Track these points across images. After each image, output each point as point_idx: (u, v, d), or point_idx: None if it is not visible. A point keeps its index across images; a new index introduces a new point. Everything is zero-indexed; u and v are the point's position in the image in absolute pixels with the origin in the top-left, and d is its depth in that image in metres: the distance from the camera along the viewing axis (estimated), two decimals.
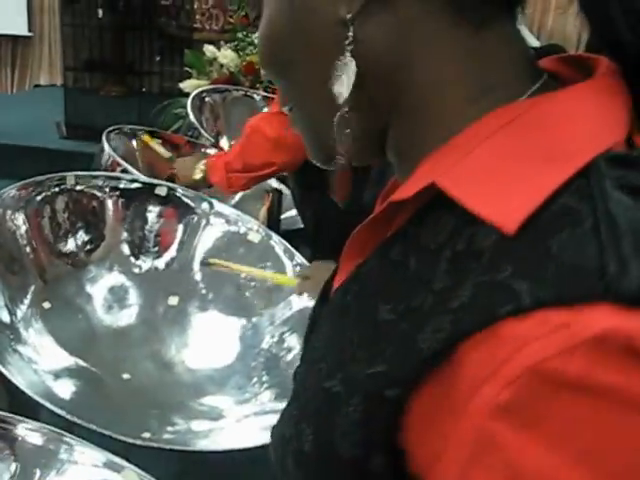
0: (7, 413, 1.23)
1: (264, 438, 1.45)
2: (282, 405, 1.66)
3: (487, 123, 0.63)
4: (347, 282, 0.80)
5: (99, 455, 1.22)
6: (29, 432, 1.22)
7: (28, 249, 1.77)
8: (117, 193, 1.99)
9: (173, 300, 1.93)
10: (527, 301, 0.56)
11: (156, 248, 2.00)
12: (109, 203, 1.98)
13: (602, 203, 0.56)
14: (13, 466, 1.19)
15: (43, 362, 1.65)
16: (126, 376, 1.76)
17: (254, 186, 2.12)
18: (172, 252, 2.02)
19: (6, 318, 1.62)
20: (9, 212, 1.73)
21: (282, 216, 2.48)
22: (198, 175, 2.11)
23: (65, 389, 1.63)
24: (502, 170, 0.61)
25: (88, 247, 1.89)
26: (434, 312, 0.62)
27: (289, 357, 1.78)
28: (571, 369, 0.54)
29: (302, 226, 2.41)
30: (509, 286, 0.57)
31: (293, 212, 2.69)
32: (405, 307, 0.67)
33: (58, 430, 1.23)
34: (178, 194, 2.05)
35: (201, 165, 2.12)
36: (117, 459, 1.21)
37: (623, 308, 0.53)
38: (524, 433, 0.55)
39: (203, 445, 1.55)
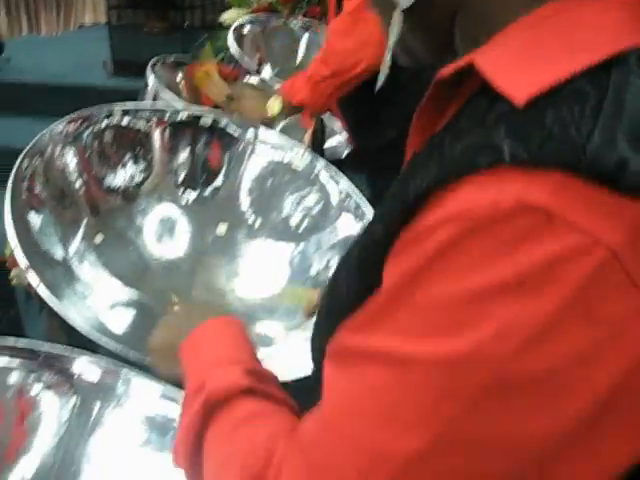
0: (65, 348, 1.19)
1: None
2: None
3: (532, 17, 0.62)
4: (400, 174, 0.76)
5: (156, 387, 1.17)
6: (87, 366, 1.19)
7: (78, 184, 1.71)
8: (163, 125, 1.92)
9: (221, 229, 1.87)
10: (506, 157, 0.54)
11: (203, 178, 1.93)
12: (156, 135, 1.91)
13: (616, 91, 0.54)
14: (72, 400, 1.16)
15: (97, 297, 1.60)
16: (177, 307, 1.71)
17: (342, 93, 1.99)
18: (219, 181, 1.95)
19: (60, 254, 1.58)
20: (58, 148, 1.67)
21: (325, 145, 2.40)
22: (276, 108, 2.02)
23: (119, 322, 1.59)
24: (530, 54, 0.59)
25: (137, 179, 1.83)
26: (429, 165, 0.61)
27: None
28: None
29: (344, 156, 2.33)
30: (496, 144, 0.55)
31: (335, 141, 2.60)
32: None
33: (116, 363, 1.19)
34: (223, 124, 1.97)
35: (273, 99, 2.03)
36: (174, 390, 1.17)
37: (592, 185, 0.51)
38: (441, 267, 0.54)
39: None
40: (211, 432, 0.74)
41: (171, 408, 1.16)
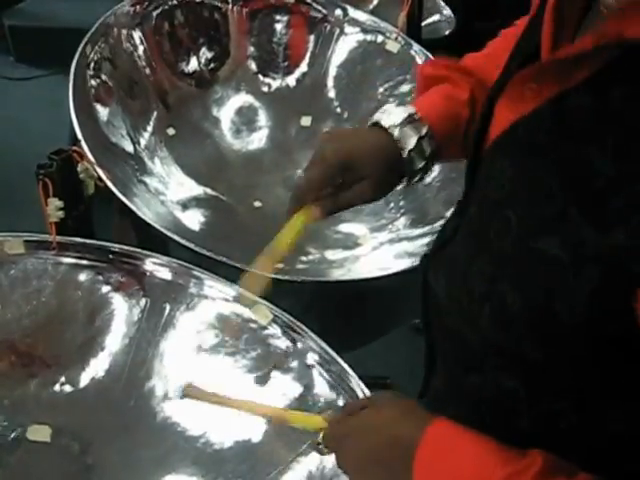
0: (135, 248, 1.31)
1: (399, 265, 1.51)
2: (418, 231, 1.70)
3: None
4: (537, 116, 0.81)
5: (229, 289, 1.29)
6: (157, 267, 1.30)
7: (148, 71, 1.79)
8: (241, 2, 1.97)
9: (306, 120, 1.94)
10: None
11: (286, 63, 1.98)
12: (233, 14, 1.96)
13: None
14: (143, 301, 1.28)
15: (170, 193, 1.71)
16: (257, 204, 1.82)
17: None
18: (303, 67, 2.00)
19: (129, 147, 1.68)
20: (124, 31, 1.74)
21: (423, 23, 2.41)
22: None
23: (194, 220, 1.70)
24: None
25: (212, 65, 1.91)
26: None
27: (427, 180, 1.79)
28: None
29: (446, 34, 2.34)
30: None
31: (435, 17, 2.61)
32: (636, 165, 0.69)
33: (187, 264, 1.31)
34: (308, 0, 2.02)
35: None
36: (248, 293, 1.28)
37: None
38: None
39: (337, 275, 1.61)
40: None
41: (243, 312, 1.27)
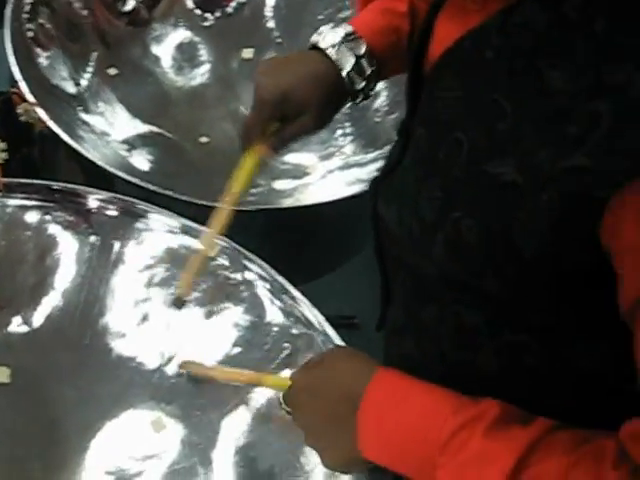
0: (77, 185, 1.29)
1: (351, 191, 1.50)
2: (369, 156, 1.68)
3: None
4: (483, 33, 0.77)
5: (174, 222, 1.28)
6: (103, 204, 1.28)
7: (86, 12, 1.76)
8: None
9: (247, 53, 1.91)
10: None
11: None
12: None
13: None
14: (92, 239, 1.27)
15: (115, 133, 1.69)
16: (204, 139, 1.80)
17: None
18: None
19: (71, 89, 1.65)
20: None
21: None
22: None
23: (141, 159, 1.69)
24: None
25: (149, 3, 1.87)
26: None
27: (375, 104, 1.77)
28: None
29: None
30: None
31: None
32: (594, 80, 0.65)
33: (131, 199, 1.29)
34: None
35: None
36: (194, 224, 1.27)
37: None
38: None
39: (288, 204, 1.60)
40: None
41: (191, 243, 1.26)
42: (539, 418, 0.77)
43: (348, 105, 1.26)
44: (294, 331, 1.21)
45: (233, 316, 1.25)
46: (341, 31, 1.18)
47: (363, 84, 1.19)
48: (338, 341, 1.17)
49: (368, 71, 1.18)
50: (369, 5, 1.24)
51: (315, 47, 1.19)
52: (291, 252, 1.50)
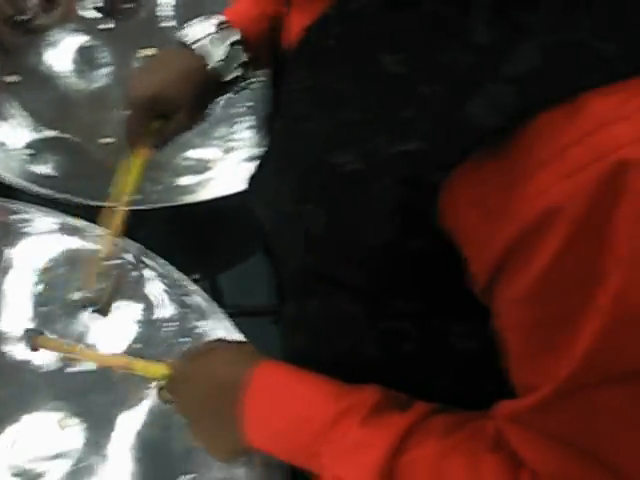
0: None
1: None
2: None
3: None
4: (324, 21, 0.77)
5: (65, 222, 1.29)
6: None
7: None
8: None
9: (146, 52, 1.91)
10: (620, 69, 0.53)
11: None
12: None
13: None
14: None
15: (18, 140, 1.68)
16: (108, 140, 1.79)
17: None
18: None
19: None
20: None
21: None
22: None
23: (45, 164, 1.68)
24: None
25: (45, 9, 1.86)
26: (482, 77, 0.58)
27: None
28: None
29: None
30: (592, 47, 0.53)
31: None
32: (426, 61, 0.64)
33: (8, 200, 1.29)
34: None
35: None
36: (89, 224, 1.28)
37: None
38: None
39: (188, 200, 1.61)
40: None
41: (73, 241, 1.28)
42: (418, 403, 0.78)
43: (234, 96, 1.26)
44: (194, 325, 1.23)
45: (132, 313, 1.26)
46: (211, 22, 1.18)
47: (237, 73, 1.19)
48: (237, 334, 1.18)
49: (243, 59, 1.18)
50: None
51: (184, 42, 1.19)
52: (192, 248, 1.50)
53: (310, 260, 0.82)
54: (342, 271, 0.79)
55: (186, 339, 1.22)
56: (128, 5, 1.93)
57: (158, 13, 1.95)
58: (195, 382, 0.92)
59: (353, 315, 0.84)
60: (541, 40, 0.56)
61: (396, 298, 0.79)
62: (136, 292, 1.27)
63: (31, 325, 1.23)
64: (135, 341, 1.24)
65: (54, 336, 1.18)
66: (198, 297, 1.25)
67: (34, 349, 1.13)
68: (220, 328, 1.21)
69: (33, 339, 1.13)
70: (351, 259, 0.76)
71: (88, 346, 1.20)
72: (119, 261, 1.27)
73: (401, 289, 0.77)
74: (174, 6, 1.96)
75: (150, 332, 1.24)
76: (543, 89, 0.55)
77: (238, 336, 1.18)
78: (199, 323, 1.23)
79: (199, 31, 1.18)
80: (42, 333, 1.14)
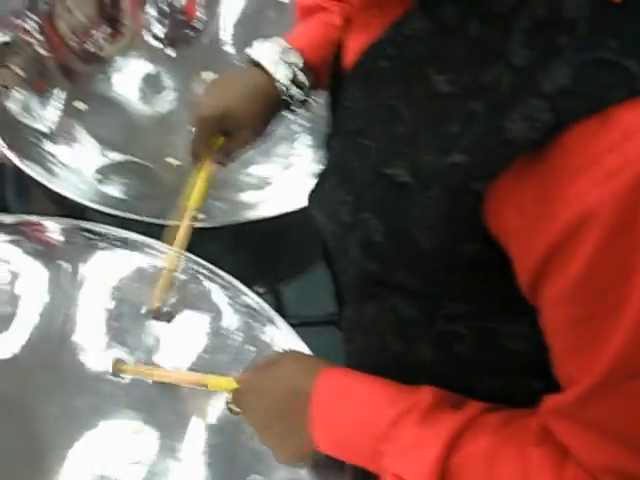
0: (42, 216, 1.34)
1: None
2: None
3: None
4: (380, 45, 0.81)
5: (138, 240, 1.33)
6: (66, 232, 1.33)
7: (48, 52, 1.81)
8: None
9: (207, 75, 1.96)
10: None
11: (179, 25, 2.00)
12: None
13: None
14: (60, 264, 1.31)
15: (88, 165, 1.75)
16: (175, 162, 1.85)
17: None
18: (198, 26, 2.02)
19: (40, 126, 1.71)
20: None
21: None
22: None
23: (115, 186, 1.74)
24: None
25: (111, 39, 1.93)
26: (519, 94, 0.63)
27: None
28: None
29: None
30: (618, 64, 0.57)
31: None
32: (471, 81, 0.68)
33: (94, 225, 1.33)
34: None
35: None
36: (157, 242, 1.32)
37: None
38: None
39: (250, 216, 1.65)
40: None
41: (141, 258, 1.32)
42: (470, 402, 0.82)
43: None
44: (258, 334, 1.26)
45: (199, 325, 1.30)
46: (277, 44, 1.23)
47: (299, 95, 1.23)
48: (300, 344, 1.22)
49: (305, 82, 1.22)
50: (307, 18, 1.28)
51: (252, 62, 1.24)
52: (254, 262, 1.54)
53: (368, 266, 0.86)
54: (399, 276, 0.83)
55: (252, 348, 1.25)
56: (188, 31, 1.98)
57: (220, 37, 2.00)
58: (262, 393, 0.96)
59: (410, 318, 0.88)
60: (571, 59, 0.60)
61: (451, 301, 0.83)
62: (202, 304, 1.31)
63: (105, 339, 1.28)
64: (204, 351, 1.28)
65: (131, 358, 1.24)
66: (262, 308, 1.28)
67: (116, 375, 1.19)
68: (283, 338, 1.24)
69: (116, 367, 1.19)
70: (408, 265, 0.80)
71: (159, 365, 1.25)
72: (185, 275, 1.31)
73: (455, 292, 0.81)
74: (233, 31, 2.01)
75: (217, 342, 1.28)
76: (572, 104, 0.59)
77: (301, 345, 1.21)
78: (263, 333, 1.26)
79: (266, 52, 1.22)
80: (125, 363, 1.20)
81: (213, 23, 2.02)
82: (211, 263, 1.32)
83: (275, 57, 1.22)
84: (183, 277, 1.31)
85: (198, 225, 1.34)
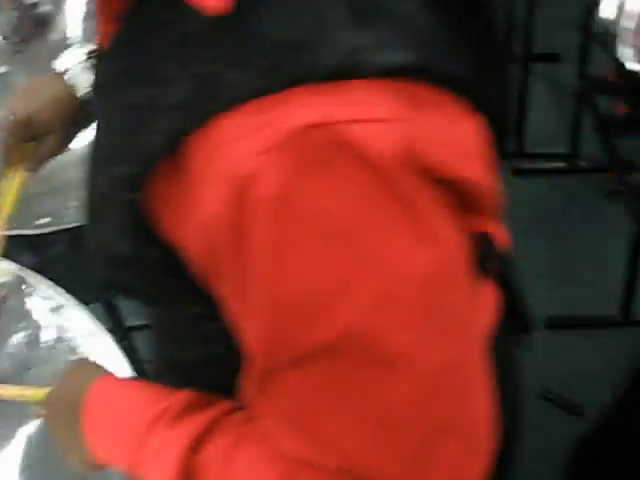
0: None
1: None
2: None
3: None
4: (108, 52, 0.80)
5: None
6: None
7: None
8: None
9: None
10: (243, 93, 0.60)
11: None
12: None
13: None
14: None
15: None
16: None
17: None
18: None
19: None
20: None
21: None
22: None
23: None
24: None
25: None
26: (159, 107, 0.66)
27: None
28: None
29: None
30: (221, 77, 0.61)
31: None
32: (118, 102, 0.72)
33: None
34: None
35: None
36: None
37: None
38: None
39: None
40: None
41: None
42: (221, 402, 0.82)
43: None
44: (78, 344, 1.28)
45: (17, 336, 1.31)
46: (82, 51, 1.22)
47: None
48: (118, 353, 1.23)
49: None
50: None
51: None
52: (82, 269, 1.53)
53: (106, 274, 0.89)
54: (130, 282, 0.86)
55: (73, 357, 1.25)
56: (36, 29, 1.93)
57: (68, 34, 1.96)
58: (52, 405, 0.98)
59: (174, 320, 0.91)
60: (191, 72, 0.63)
61: (186, 304, 0.84)
62: (20, 314, 1.31)
63: None
64: (22, 363, 1.29)
65: None
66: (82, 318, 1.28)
67: None
68: (103, 348, 1.25)
69: None
70: (127, 270, 0.82)
71: None
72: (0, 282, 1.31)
73: (183, 295, 0.82)
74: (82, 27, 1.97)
75: (35, 354, 1.29)
76: (187, 115, 0.63)
77: (114, 354, 1.21)
78: (83, 343, 1.26)
79: (69, 60, 1.21)
80: None
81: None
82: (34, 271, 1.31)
83: (77, 65, 1.20)
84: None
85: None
